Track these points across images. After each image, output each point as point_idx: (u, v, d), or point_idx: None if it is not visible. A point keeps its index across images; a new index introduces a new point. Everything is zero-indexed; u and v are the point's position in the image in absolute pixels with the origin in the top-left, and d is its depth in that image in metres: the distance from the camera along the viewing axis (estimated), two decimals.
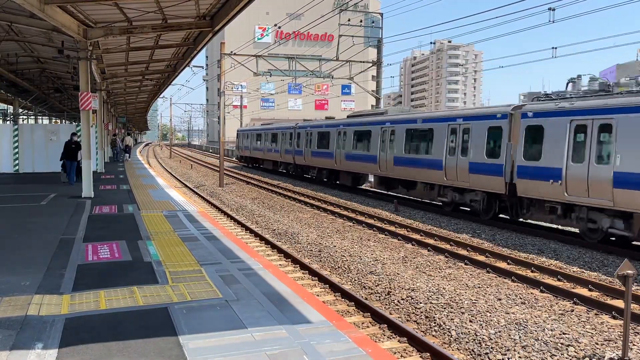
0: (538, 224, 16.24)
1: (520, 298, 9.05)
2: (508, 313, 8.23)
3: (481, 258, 11.93)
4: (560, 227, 16.00)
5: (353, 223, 16.82)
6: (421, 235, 14.58)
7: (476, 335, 7.35)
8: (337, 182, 27.83)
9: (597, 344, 7.11)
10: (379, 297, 9.28)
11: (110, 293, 6.12)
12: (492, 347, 6.98)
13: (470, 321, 7.88)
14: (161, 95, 51.72)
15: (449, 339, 7.37)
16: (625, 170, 11.56)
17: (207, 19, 13.70)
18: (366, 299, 9.14)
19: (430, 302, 8.70)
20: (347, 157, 24.84)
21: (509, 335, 7.35)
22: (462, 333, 7.47)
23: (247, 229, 15.52)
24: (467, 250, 12.73)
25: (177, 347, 4.64)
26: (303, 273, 10.76)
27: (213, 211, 19.28)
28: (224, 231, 10.24)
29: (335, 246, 13.07)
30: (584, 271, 11.01)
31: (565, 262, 11.76)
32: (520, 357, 6.72)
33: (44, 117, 45.58)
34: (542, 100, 14.49)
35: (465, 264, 11.50)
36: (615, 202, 11.76)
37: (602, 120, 12.23)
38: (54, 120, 46.03)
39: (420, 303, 8.70)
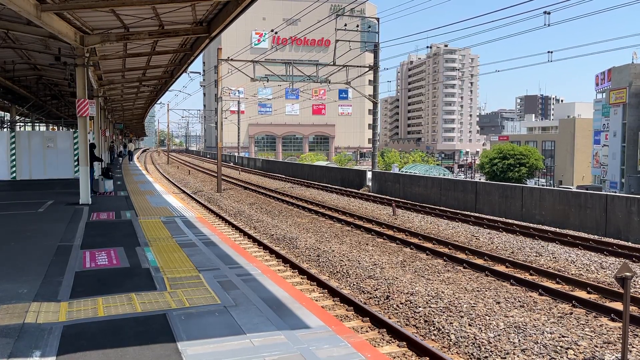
0: (536, 227, 16.26)
1: (519, 301, 9.04)
2: (507, 316, 8.22)
3: (480, 261, 11.93)
4: (558, 229, 16.04)
5: (351, 227, 16.81)
6: (419, 239, 14.58)
7: (475, 339, 7.34)
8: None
9: (596, 346, 7.10)
10: (378, 301, 9.26)
11: (108, 300, 6.10)
12: (491, 351, 6.97)
13: (469, 325, 7.87)
14: (158, 102, 51.66)
15: (449, 343, 7.35)
16: None
17: (203, 24, 13.70)
18: (365, 303, 9.12)
19: (429, 306, 8.69)
20: None
21: (508, 338, 7.34)
22: (461, 337, 7.46)
23: (245, 234, 15.50)
24: (466, 254, 12.73)
25: (176, 353, 4.63)
26: (302, 278, 10.73)
27: (211, 217, 19.25)
28: (222, 237, 10.22)
29: (333, 251, 13.05)
30: (583, 274, 11.01)
31: (564, 264, 11.77)
32: None
33: (41, 124, 45.50)
34: None
35: (464, 267, 11.50)
36: None
37: None
38: (51, 127, 45.97)
39: (419, 307, 8.69)
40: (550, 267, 11.59)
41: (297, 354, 4.66)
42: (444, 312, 8.40)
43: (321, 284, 10.03)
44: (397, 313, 8.62)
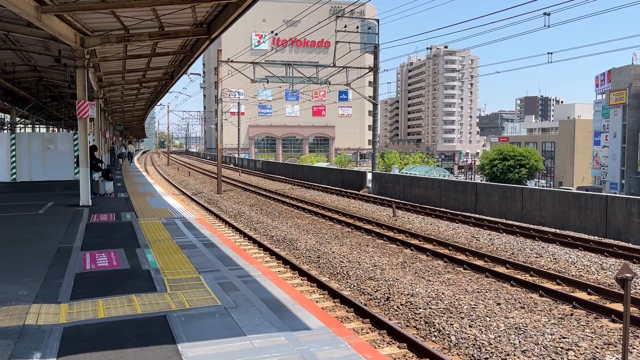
0: (537, 228, 16.25)
1: (520, 302, 9.03)
2: (507, 317, 8.21)
3: (480, 262, 11.92)
4: (558, 230, 16.03)
5: (351, 228, 16.81)
6: (420, 240, 14.58)
7: (476, 340, 7.33)
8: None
9: (596, 347, 7.10)
10: (378, 302, 9.26)
11: (109, 301, 6.10)
12: (491, 352, 6.96)
13: (469, 326, 7.86)
14: (159, 103, 51.67)
15: (449, 344, 7.35)
16: None
17: (204, 26, 13.71)
18: (365, 304, 9.12)
19: (430, 308, 8.68)
20: None
21: (509, 339, 7.34)
22: (461, 338, 7.46)
23: (245, 235, 15.49)
24: (466, 255, 12.72)
25: (176, 355, 4.62)
26: (302, 279, 10.73)
27: (211, 218, 19.25)
28: (222, 238, 10.21)
29: (334, 252, 13.05)
30: (583, 275, 11.01)
31: (564, 265, 11.76)
32: None
33: (41, 126, 45.55)
34: None
35: (464, 268, 11.49)
36: None
37: None
38: (51, 129, 46.02)
39: (420, 308, 8.69)
40: (550, 268, 11.58)
41: (297, 355, 4.66)
42: (444, 314, 8.39)
43: (321, 286, 10.03)
44: (397, 314, 8.61)
